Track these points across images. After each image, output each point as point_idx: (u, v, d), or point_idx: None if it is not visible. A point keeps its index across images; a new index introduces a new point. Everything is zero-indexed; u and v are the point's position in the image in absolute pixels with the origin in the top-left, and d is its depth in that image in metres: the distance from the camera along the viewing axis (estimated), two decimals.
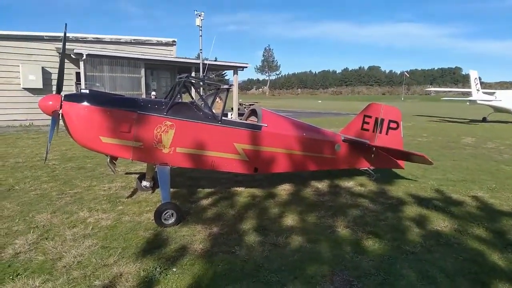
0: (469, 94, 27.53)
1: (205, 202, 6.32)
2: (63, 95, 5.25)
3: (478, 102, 26.37)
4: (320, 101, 79.24)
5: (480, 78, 29.90)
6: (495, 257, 4.32)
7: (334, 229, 5.20)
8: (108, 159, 5.87)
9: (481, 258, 4.31)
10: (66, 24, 5.37)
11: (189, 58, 25.29)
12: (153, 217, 5.26)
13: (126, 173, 8.37)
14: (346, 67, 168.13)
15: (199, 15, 22.93)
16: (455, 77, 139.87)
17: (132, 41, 23.43)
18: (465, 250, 4.52)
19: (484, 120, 26.85)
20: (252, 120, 6.98)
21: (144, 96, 20.65)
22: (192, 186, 7.29)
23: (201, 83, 7.06)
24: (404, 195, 6.96)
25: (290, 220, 5.52)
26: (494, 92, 26.86)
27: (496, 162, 10.55)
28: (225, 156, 6.04)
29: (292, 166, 6.84)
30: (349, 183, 7.78)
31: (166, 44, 24.95)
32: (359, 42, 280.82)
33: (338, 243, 4.71)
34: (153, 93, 22.34)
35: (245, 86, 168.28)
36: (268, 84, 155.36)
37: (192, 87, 6.69)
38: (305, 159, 6.96)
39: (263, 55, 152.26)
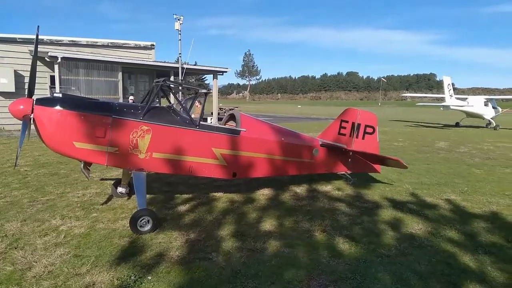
0: (442, 99, 28.39)
1: (182, 208, 6.25)
2: (34, 99, 5.09)
3: (451, 107, 27.22)
4: (299, 106, 79.99)
5: (453, 84, 30.96)
6: (466, 259, 4.44)
7: (311, 233, 5.23)
8: (82, 164, 5.72)
9: (453, 260, 4.43)
10: (38, 26, 5.23)
11: (168, 62, 25.10)
12: (128, 224, 5.15)
13: (101, 179, 8.18)
14: (325, 73, 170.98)
15: (178, 19, 22.78)
16: (429, 83, 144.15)
17: (109, 44, 23.04)
18: (438, 252, 4.63)
19: (457, 125, 27.75)
20: (231, 124, 6.97)
21: (121, 100, 20.32)
22: (170, 192, 7.19)
23: (179, 87, 7.00)
24: (380, 198, 7.08)
25: (268, 225, 5.52)
26: (466, 98, 27.79)
27: (468, 165, 10.90)
28: (203, 161, 6.00)
29: (270, 170, 6.86)
30: (327, 187, 7.86)
31: (145, 47, 24.66)
32: (339, 47, 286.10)
33: (315, 247, 4.74)
34: (131, 97, 21.98)
35: (225, 91, 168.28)
36: (248, 89, 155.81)
37: (169, 91, 6.62)
38: (283, 163, 6.99)
39: (243, 60, 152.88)
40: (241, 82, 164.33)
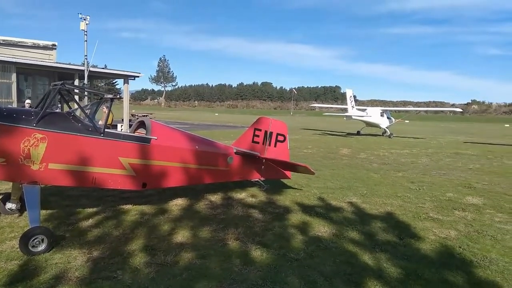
0: (346, 110, 31.01)
1: (85, 223, 5.71)
2: None
3: (353, 117, 29.84)
4: (217, 114, 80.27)
5: (355, 96, 34.06)
6: (365, 258, 4.83)
7: (224, 242, 5.19)
8: None
9: (354, 259, 4.77)
10: None
11: (72, 64, 23.09)
12: (18, 245, 4.53)
13: None
14: (242, 82, 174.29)
15: (84, 19, 21.24)
16: (335, 95, 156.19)
17: (2, 42, 20.39)
18: (341, 253, 4.96)
19: (358, 133, 30.48)
20: (141, 132, 6.63)
21: (15, 104, 18.07)
22: (70, 206, 6.54)
23: (80, 91, 6.44)
24: (290, 203, 7.37)
25: (180, 236, 5.33)
26: (365, 109, 30.75)
27: (367, 170, 12.00)
28: (109, 171, 5.58)
29: (184, 179, 6.69)
30: (241, 195, 7.93)
31: (45, 47, 22.37)
32: (254, 58, 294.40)
33: (228, 256, 4.72)
34: (28, 101, 19.59)
35: (139, 96, 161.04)
36: (164, 95, 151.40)
37: (69, 95, 6.04)
38: (198, 172, 6.87)
39: (158, 65, 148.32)
40: (156, 88, 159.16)
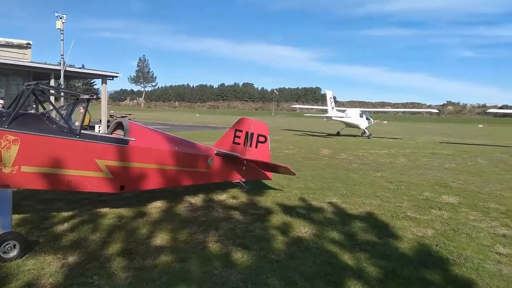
0: (326, 111, 31.33)
1: (60, 228, 5.53)
2: None
3: (333, 118, 30.18)
4: (198, 115, 79.70)
5: (335, 98, 34.45)
6: (345, 257, 4.86)
7: (205, 244, 5.13)
8: None
9: (334, 259, 4.80)
10: None
11: (48, 64, 22.44)
12: None
13: None
14: (223, 83, 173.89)
15: (61, 17, 20.67)
16: (316, 96, 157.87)
17: None
18: (321, 253, 4.98)
19: (338, 134, 30.84)
20: (118, 133, 6.48)
21: None
22: (45, 210, 6.33)
23: (55, 91, 6.25)
24: (271, 204, 7.37)
25: (159, 240, 5.24)
26: (345, 110, 31.16)
27: (347, 170, 12.14)
28: (85, 174, 5.43)
29: (164, 182, 6.58)
30: (222, 196, 7.87)
31: (19, 46, 21.66)
32: (236, 58, 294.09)
33: (208, 259, 4.66)
34: (0, 101, 18.99)
35: (118, 97, 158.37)
36: (143, 96, 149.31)
37: (44, 95, 5.84)
38: (177, 174, 6.77)
39: (137, 65, 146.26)
40: (136, 88, 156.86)
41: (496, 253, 5.18)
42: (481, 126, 65.44)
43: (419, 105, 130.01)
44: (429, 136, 33.30)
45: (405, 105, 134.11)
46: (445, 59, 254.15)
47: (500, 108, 73.92)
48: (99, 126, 18.96)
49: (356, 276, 4.33)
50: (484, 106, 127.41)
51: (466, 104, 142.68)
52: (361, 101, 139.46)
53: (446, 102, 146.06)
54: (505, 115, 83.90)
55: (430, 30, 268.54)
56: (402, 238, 5.67)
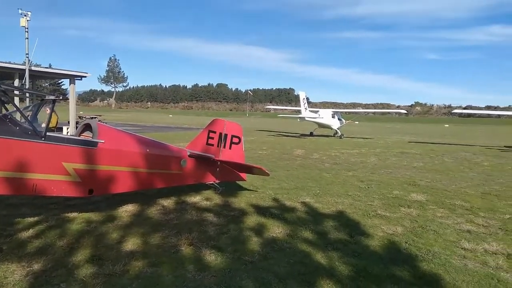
0: (299, 112, 31.68)
1: (25, 234, 5.29)
2: None
3: (306, 119, 30.56)
4: (171, 116, 78.55)
5: (308, 98, 34.84)
6: (318, 257, 4.92)
7: (177, 248, 5.05)
8: None
9: (308, 259, 4.85)
10: None
11: (12, 63, 21.47)
12: None
13: None
14: (197, 83, 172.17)
15: (25, 15, 19.86)
16: (289, 97, 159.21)
17: None
18: (295, 253, 5.02)
19: (311, 134, 31.24)
20: (87, 135, 6.28)
21: None
22: (9, 216, 6.03)
23: (20, 92, 5.99)
24: (246, 205, 7.36)
25: (130, 244, 5.11)
26: (318, 111, 31.61)
27: (319, 170, 12.32)
28: (52, 178, 5.23)
29: (135, 184, 6.44)
30: (195, 198, 7.78)
31: None
32: (209, 59, 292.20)
33: (181, 262, 4.59)
34: None
35: (87, 98, 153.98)
36: (114, 96, 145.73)
37: (6, 96, 5.57)
38: (149, 176, 6.65)
39: (108, 65, 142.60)
40: (106, 88, 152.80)
41: (462, 248, 5.39)
42: (447, 126, 68.15)
43: (388, 106, 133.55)
44: (398, 136, 34.33)
45: (375, 105, 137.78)
46: (413, 61, 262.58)
47: (465, 108, 77.19)
48: (67, 128, 18.35)
49: (328, 275, 4.38)
50: (449, 106, 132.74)
51: (433, 105, 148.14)
52: (333, 102, 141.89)
53: (414, 103, 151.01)
54: (469, 115, 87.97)
55: (398, 32, 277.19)
56: (373, 236, 5.80)
